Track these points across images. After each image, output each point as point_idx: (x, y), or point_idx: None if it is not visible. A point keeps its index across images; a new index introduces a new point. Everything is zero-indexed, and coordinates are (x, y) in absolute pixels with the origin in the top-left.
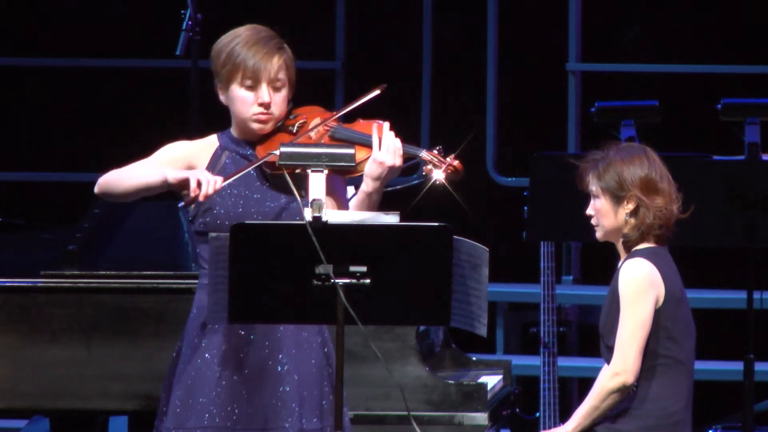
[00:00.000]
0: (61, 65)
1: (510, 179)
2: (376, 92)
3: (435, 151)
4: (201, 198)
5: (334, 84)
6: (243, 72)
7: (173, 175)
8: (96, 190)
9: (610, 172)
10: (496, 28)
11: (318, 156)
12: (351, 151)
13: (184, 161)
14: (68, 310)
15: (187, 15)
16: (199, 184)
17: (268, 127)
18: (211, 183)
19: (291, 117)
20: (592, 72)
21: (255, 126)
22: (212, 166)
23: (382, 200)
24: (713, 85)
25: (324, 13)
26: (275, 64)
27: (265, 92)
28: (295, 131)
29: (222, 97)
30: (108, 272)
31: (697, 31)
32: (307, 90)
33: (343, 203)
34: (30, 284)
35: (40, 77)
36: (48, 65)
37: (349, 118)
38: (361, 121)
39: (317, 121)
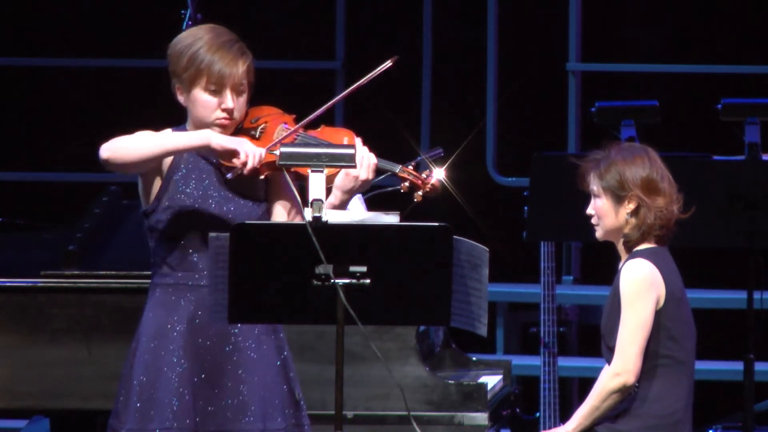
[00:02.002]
0: (61, 65)
1: (510, 179)
2: (388, 63)
3: (410, 167)
4: (246, 171)
5: (334, 84)
6: (207, 77)
7: (218, 141)
8: (104, 155)
9: (612, 171)
10: (496, 28)
11: (318, 156)
12: (351, 151)
13: None
14: (68, 310)
15: (187, 15)
16: (245, 155)
17: (229, 131)
18: (257, 156)
19: (252, 121)
20: (592, 72)
21: (216, 130)
22: (175, 162)
23: (383, 200)
24: (713, 85)
25: (324, 13)
26: (240, 70)
27: (229, 99)
28: (257, 136)
29: (180, 98)
30: (108, 272)
31: (698, 31)
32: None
33: (297, 208)
34: (30, 284)
35: (40, 77)
36: (48, 65)
37: (313, 124)
38: (324, 127)
39: (281, 128)
